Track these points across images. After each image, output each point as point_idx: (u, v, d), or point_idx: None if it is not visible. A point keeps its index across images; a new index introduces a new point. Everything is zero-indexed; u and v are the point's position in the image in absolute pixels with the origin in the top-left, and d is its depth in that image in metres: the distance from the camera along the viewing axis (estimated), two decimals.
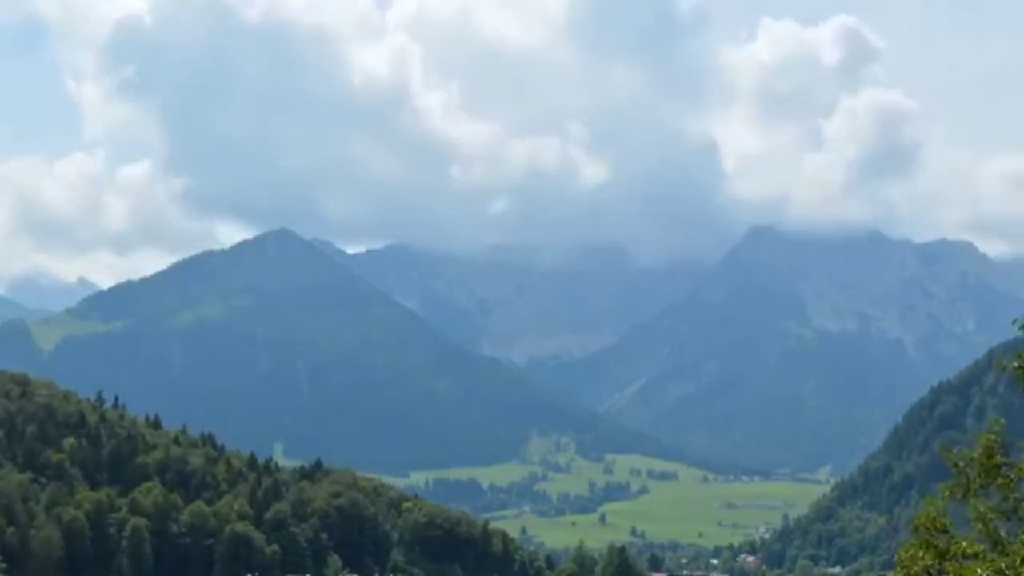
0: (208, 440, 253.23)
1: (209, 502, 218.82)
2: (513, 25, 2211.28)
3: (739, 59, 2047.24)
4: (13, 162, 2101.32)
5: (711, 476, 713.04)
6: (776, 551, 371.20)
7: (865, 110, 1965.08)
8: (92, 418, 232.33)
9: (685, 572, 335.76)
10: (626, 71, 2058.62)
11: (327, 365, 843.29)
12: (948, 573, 25.83)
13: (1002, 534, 26.11)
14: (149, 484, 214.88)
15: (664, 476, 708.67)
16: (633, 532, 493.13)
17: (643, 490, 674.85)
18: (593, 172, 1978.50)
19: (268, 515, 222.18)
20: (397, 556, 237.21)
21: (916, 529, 27.13)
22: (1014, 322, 27.36)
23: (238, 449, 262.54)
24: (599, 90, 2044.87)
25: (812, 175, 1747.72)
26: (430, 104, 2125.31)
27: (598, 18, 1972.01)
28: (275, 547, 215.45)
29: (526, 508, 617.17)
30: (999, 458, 26.11)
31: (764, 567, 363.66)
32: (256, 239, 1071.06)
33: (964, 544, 26.09)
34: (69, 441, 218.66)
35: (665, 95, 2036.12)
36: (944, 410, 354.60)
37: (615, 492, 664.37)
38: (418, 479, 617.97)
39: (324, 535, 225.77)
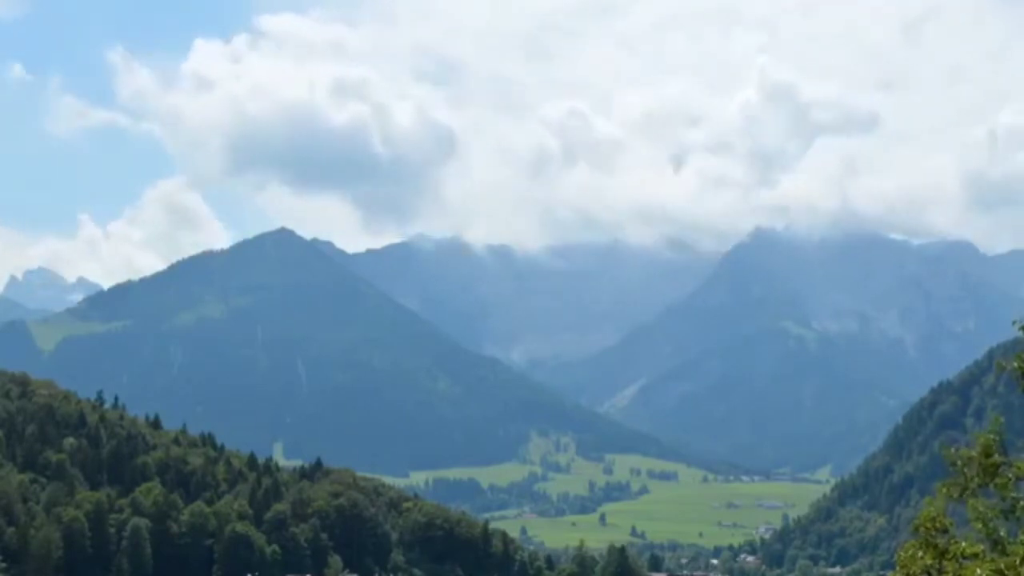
0: (208, 440, 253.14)
1: (209, 502, 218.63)
2: None
3: None
4: None
5: (711, 476, 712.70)
6: (776, 551, 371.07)
7: None
8: (92, 418, 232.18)
9: (685, 572, 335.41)
10: None
11: (327, 365, 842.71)
12: (948, 573, 25.80)
13: (1002, 534, 26.08)
14: (149, 484, 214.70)
15: (664, 476, 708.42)
16: (633, 532, 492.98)
17: (643, 490, 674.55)
18: None
19: (268, 515, 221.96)
20: (397, 556, 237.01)
21: (916, 529, 27.10)
22: (1014, 323, 27.32)
23: (238, 449, 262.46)
24: None
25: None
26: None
27: None
28: (275, 547, 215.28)
29: (526, 508, 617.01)
30: (997, 457, 26.07)
31: (764, 567, 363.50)
32: (256, 239, 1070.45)
33: (964, 544, 26.06)
34: (69, 441, 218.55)
35: None
36: (944, 410, 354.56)
37: (615, 492, 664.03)
38: (418, 479, 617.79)
39: (324, 535, 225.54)
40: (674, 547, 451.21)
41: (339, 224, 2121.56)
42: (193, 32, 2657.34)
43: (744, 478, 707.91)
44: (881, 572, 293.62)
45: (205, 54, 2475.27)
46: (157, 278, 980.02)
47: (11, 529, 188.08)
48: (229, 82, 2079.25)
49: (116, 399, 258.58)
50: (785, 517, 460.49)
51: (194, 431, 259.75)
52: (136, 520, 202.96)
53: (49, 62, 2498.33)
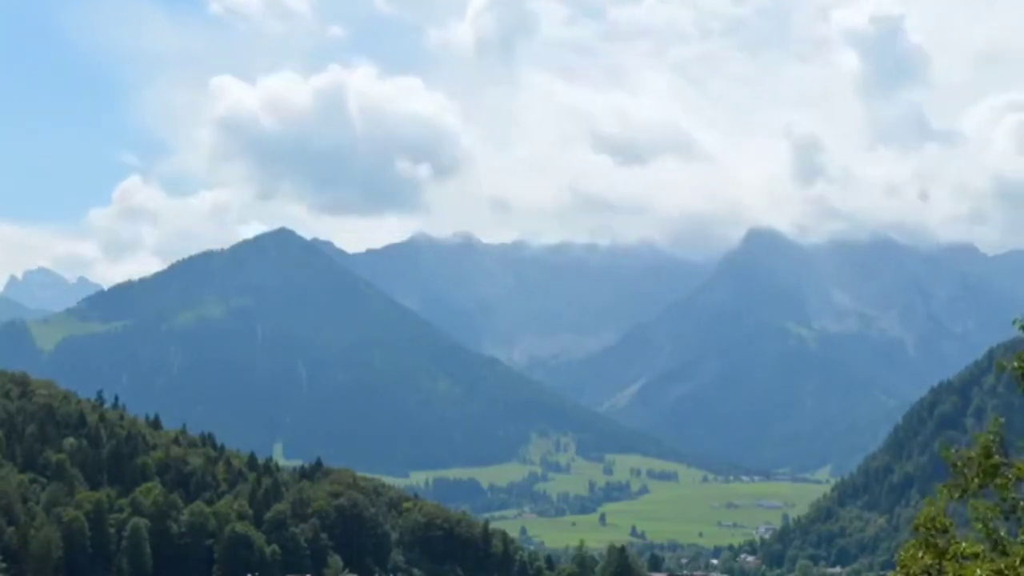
0: (208, 440, 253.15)
1: (209, 502, 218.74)
2: None
3: None
4: None
5: (711, 476, 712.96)
6: (776, 551, 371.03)
7: None
8: (92, 418, 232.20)
9: (685, 572, 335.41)
10: None
11: (327, 365, 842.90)
12: (948, 573, 25.81)
13: (1002, 534, 26.09)
14: (149, 484, 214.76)
15: (664, 476, 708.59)
16: (633, 532, 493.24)
17: (643, 490, 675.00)
18: None
19: (268, 515, 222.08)
20: (397, 556, 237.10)
21: (916, 529, 27.12)
22: (1014, 322, 27.32)
23: (238, 449, 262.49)
24: None
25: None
26: None
27: None
28: (275, 547, 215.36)
29: (526, 508, 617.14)
30: (997, 458, 26.06)
31: (764, 567, 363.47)
32: (256, 239, 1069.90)
33: (964, 544, 26.07)
34: (69, 441, 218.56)
35: None
36: (944, 410, 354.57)
37: (615, 492, 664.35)
38: (418, 479, 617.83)
39: (324, 535, 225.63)
40: (674, 547, 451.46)
41: (336, 223, 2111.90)
42: None
43: (744, 478, 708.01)
44: (881, 572, 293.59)
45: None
46: (157, 278, 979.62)
47: (11, 529, 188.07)
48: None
49: (116, 399, 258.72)
50: (785, 517, 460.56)
51: (194, 431, 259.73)
52: (136, 520, 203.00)
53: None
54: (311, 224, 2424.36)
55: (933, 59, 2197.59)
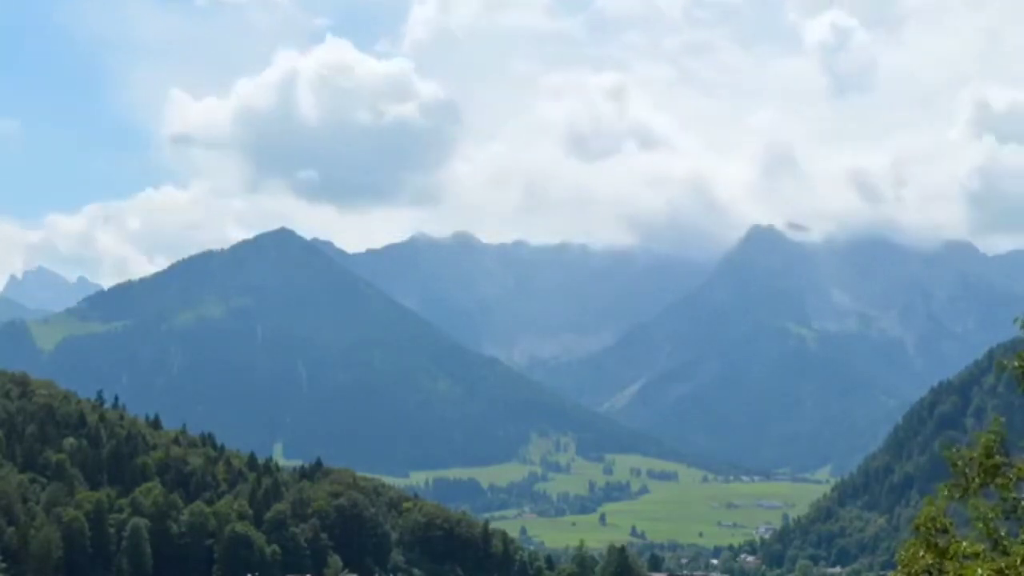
0: (208, 440, 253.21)
1: (209, 502, 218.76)
2: None
3: None
4: None
5: (711, 476, 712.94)
6: (776, 551, 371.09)
7: None
8: (92, 418, 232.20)
9: (685, 572, 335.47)
10: None
11: (327, 365, 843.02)
12: (948, 573, 25.81)
13: (1002, 534, 26.08)
14: (149, 484, 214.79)
15: (664, 476, 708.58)
16: (633, 532, 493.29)
17: (643, 490, 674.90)
18: None
19: (268, 515, 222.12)
20: (397, 556, 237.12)
21: (916, 529, 27.12)
22: (1015, 320, 27.32)
23: (238, 449, 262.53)
24: None
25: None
26: None
27: None
28: (275, 547, 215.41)
29: (526, 508, 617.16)
30: (998, 458, 26.06)
31: (764, 567, 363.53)
32: (256, 239, 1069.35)
33: (964, 544, 26.06)
34: (69, 441, 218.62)
35: None
36: (944, 410, 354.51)
37: (615, 492, 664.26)
38: (418, 479, 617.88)
39: (324, 535, 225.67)
40: (674, 547, 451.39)
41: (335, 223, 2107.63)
42: None
43: (744, 478, 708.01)
44: (881, 572, 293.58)
45: None
46: (157, 278, 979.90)
47: (11, 529, 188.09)
48: None
49: (116, 399, 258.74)
50: (785, 517, 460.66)
51: (194, 431, 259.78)
52: (136, 520, 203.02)
53: None
54: (298, 216, 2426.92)
55: (912, 55, 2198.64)
